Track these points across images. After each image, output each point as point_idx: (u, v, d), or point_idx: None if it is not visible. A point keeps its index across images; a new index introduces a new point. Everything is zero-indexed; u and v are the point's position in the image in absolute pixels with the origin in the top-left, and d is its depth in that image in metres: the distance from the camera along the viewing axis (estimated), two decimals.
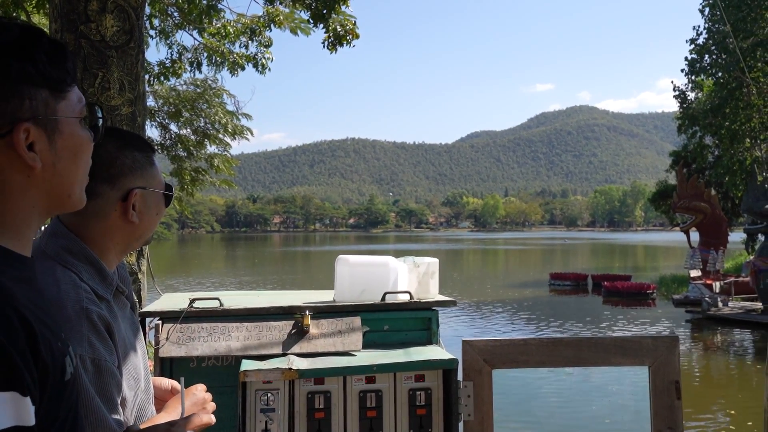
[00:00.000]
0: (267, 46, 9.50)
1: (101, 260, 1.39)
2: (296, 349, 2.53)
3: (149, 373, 1.55)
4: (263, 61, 9.51)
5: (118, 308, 1.42)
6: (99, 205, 1.38)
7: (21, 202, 0.88)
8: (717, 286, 19.18)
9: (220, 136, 15.97)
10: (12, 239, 0.88)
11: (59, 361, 0.84)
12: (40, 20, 9.23)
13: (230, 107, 16.02)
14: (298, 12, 8.34)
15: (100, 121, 1.01)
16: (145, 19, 7.88)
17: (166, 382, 1.69)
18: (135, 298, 1.65)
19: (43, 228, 1.27)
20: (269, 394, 2.34)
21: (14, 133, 0.85)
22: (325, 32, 7.40)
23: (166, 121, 15.64)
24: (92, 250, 1.38)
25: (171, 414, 1.50)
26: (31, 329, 0.78)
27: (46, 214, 0.94)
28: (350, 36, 7.48)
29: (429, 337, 2.75)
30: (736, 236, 28.19)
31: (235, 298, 2.87)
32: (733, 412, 9.49)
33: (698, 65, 25.46)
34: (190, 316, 2.56)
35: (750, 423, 8.47)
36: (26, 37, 0.87)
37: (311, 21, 7.37)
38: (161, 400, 1.63)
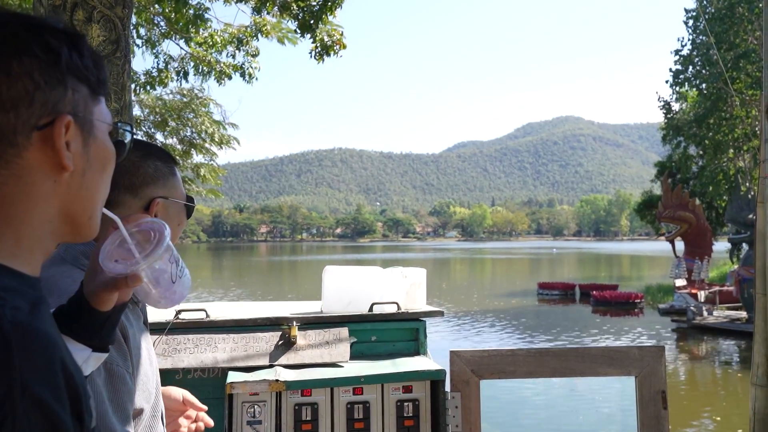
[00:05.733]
0: (254, 56, 9.50)
1: None
2: (283, 360, 2.51)
3: (159, 391, 1.48)
4: (250, 70, 9.51)
5: (133, 317, 1.38)
6: (121, 214, 1.36)
7: (40, 213, 0.75)
8: (702, 295, 19.30)
9: (207, 145, 15.93)
10: (25, 263, 0.74)
11: (90, 412, 0.74)
12: None
13: (217, 117, 16.01)
14: (286, 22, 8.35)
15: (129, 136, 0.92)
16: (132, 28, 7.86)
17: (177, 393, 1.63)
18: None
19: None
20: (256, 406, 2.32)
21: (56, 125, 0.73)
22: (312, 42, 7.42)
23: (152, 130, 15.58)
24: None
25: None
26: (76, 389, 0.69)
27: (56, 237, 0.80)
28: (337, 46, 7.50)
29: (417, 348, 2.75)
30: (721, 246, 28.37)
31: (222, 309, 2.86)
32: (719, 418, 9.54)
33: (682, 76, 25.74)
34: (176, 327, 2.54)
35: (739, 431, 8.52)
36: (73, 31, 0.79)
37: (298, 31, 7.38)
38: (173, 411, 1.58)
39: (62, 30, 0.77)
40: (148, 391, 1.34)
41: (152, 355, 1.44)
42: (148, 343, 1.43)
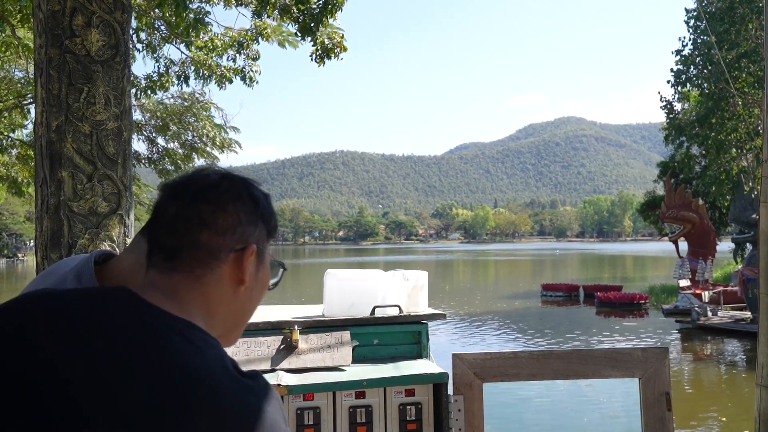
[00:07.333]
0: (255, 59, 9.49)
1: None
2: (285, 364, 2.50)
3: None
4: (251, 74, 9.49)
5: None
6: None
7: (222, 311, 1.01)
8: (706, 295, 19.25)
9: (208, 149, 15.94)
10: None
11: None
12: (25, 34, 9.19)
13: (218, 120, 16.02)
14: (286, 25, 8.34)
15: (282, 272, 1.16)
16: (132, 32, 7.86)
17: None
18: None
19: None
20: None
21: (246, 251, 1.01)
22: (312, 45, 7.41)
23: (154, 134, 15.61)
24: None
25: None
26: None
27: (216, 336, 1.00)
28: (338, 49, 7.49)
29: (419, 351, 2.73)
30: (725, 246, 28.34)
31: None
32: (724, 419, 9.50)
33: (684, 76, 25.69)
34: None
35: None
36: (266, 191, 1.10)
37: (299, 34, 7.37)
38: None
39: (261, 189, 1.09)
40: None
41: None
42: None
